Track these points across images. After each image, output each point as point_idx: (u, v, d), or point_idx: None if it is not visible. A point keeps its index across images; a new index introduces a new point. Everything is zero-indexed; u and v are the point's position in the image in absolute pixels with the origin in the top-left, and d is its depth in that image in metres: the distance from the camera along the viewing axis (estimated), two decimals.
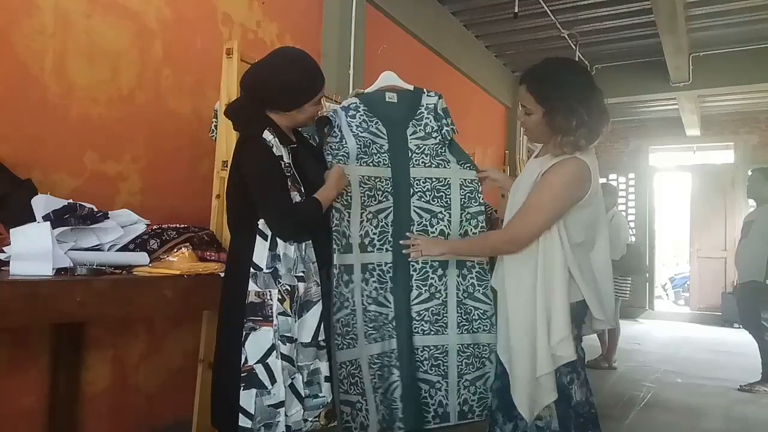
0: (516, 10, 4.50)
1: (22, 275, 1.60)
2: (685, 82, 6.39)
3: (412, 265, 2.27)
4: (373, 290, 2.21)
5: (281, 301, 1.73)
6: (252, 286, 1.72)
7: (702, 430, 3.39)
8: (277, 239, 1.75)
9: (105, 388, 2.45)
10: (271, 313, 1.72)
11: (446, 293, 2.30)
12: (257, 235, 1.75)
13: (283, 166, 1.77)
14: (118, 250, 1.94)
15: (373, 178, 2.23)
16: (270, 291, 1.73)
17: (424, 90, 2.42)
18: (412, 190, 2.30)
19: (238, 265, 1.78)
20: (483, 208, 2.37)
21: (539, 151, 1.96)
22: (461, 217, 2.33)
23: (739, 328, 7.63)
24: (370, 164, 2.23)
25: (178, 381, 2.67)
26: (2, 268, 1.67)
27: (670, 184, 10.71)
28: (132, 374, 2.57)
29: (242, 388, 1.69)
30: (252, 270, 1.73)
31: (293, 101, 1.83)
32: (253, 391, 1.69)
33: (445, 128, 2.38)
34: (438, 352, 2.28)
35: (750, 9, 5.16)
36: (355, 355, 2.13)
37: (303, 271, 1.79)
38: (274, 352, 1.71)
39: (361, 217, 2.19)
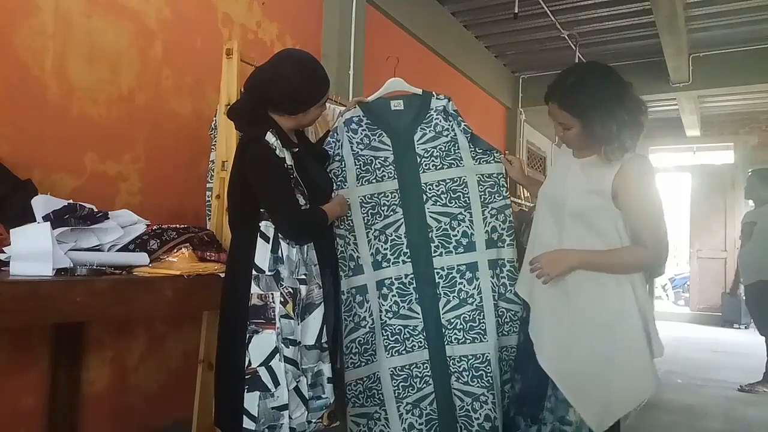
0: (516, 11, 4.50)
1: (22, 275, 1.59)
2: (685, 83, 6.39)
3: (437, 272, 2.18)
4: (393, 304, 2.16)
5: (284, 303, 1.72)
6: (254, 289, 1.71)
7: (702, 430, 3.39)
8: (280, 241, 1.75)
9: (105, 389, 2.44)
10: (274, 315, 1.71)
11: (480, 297, 2.16)
12: (258, 237, 1.74)
13: (285, 168, 1.77)
14: (118, 251, 1.93)
15: (375, 195, 2.20)
16: (272, 293, 1.72)
17: (434, 93, 2.33)
18: (425, 197, 2.21)
19: (239, 266, 1.77)
20: (509, 201, 2.25)
21: (577, 150, 1.87)
22: (484, 214, 2.21)
23: (739, 328, 7.66)
24: (373, 181, 2.20)
25: (178, 381, 2.67)
26: (2, 269, 1.66)
27: (670, 185, 10.72)
28: (132, 375, 2.57)
29: (246, 390, 1.69)
30: (254, 272, 1.72)
31: (298, 106, 1.82)
32: (257, 393, 1.68)
33: (463, 124, 2.28)
34: (478, 361, 2.13)
35: (750, 9, 5.17)
36: (374, 369, 2.13)
37: (305, 274, 1.79)
38: (277, 354, 1.70)
39: (368, 237, 2.17)
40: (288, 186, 1.76)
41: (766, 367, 4.32)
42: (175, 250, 2.00)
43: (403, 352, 2.14)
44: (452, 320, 2.16)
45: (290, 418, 1.71)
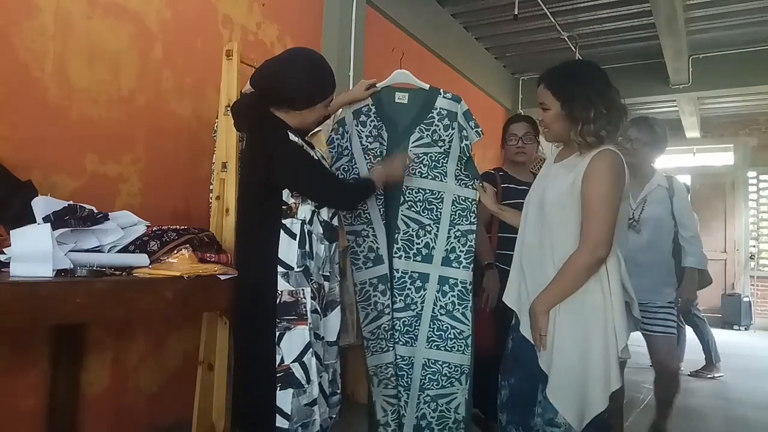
0: (516, 12, 4.51)
1: (22, 276, 1.59)
2: (685, 84, 6.39)
3: (393, 274, 2.29)
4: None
5: (313, 298, 1.72)
6: (284, 285, 1.70)
7: (702, 430, 3.39)
8: (311, 236, 1.75)
9: (105, 390, 2.44)
10: (305, 311, 1.70)
11: (422, 306, 2.29)
12: (282, 234, 1.72)
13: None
14: (118, 252, 1.93)
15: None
16: (303, 289, 1.71)
17: (440, 91, 2.36)
18: (402, 198, 2.29)
19: (263, 263, 1.74)
20: (475, 227, 2.33)
21: (558, 154, 1.92)
22: (449, 233, 2.30)
23: (739, 329, 7.66)
24: None
25: (178, 382, 2.67)
26: (2, 270, 1.66)
27: None
28: (132, 376, 2.57)
29: (279, 388, 1.67)
30: (281, 269, 1.71)
31: (306, 100, 1.80)
32: (290, 390, 1.67)
33: (465, 141, 2.32)
34: (404, 363, 2.29)
35: (750, 11, 5.17)
36: (390, 359, 2.31)
37: (329, 271, 1.82)
38: (310, 349, 1.69)
39: (385, 229, 2.30)
40: (328, 170, 1.83)
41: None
42: (175, 252, 2.00)
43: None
44: (394, 321, 2.29)
45: None
